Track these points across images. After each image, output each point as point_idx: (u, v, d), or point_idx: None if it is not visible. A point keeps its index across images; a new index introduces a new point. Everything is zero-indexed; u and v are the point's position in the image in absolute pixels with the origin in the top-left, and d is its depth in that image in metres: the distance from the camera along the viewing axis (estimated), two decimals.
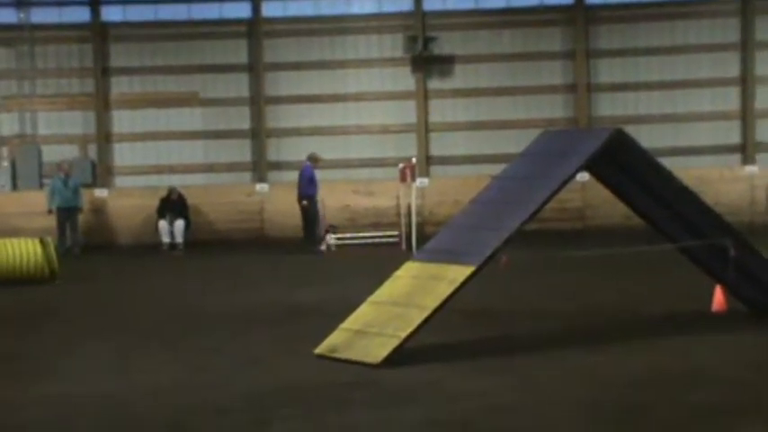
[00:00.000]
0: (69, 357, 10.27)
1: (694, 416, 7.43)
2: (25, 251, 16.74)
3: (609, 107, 26.52)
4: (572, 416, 7.51)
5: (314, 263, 19.65)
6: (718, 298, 11.59)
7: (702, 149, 26.03)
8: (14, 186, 25.78)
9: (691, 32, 26.24)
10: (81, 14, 26.74)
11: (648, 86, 26.29)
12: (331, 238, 22.40)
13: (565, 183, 10.23)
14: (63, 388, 8.79)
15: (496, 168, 20.12)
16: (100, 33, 26.59)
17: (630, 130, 11.21)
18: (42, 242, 16.95)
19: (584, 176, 17.09)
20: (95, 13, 26.59)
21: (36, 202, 23.95)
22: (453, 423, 7.38)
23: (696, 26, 26.26)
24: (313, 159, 22.57)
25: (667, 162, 11.63)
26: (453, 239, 10.45)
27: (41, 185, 25.35)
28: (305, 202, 21.82)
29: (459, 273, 9.68)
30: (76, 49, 26.70)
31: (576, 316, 11.93)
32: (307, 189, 21.96)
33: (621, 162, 11.02)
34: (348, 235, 22.97)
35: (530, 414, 7.59)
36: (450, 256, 10.03)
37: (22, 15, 26.56)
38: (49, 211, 23.14)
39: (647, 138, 20.49)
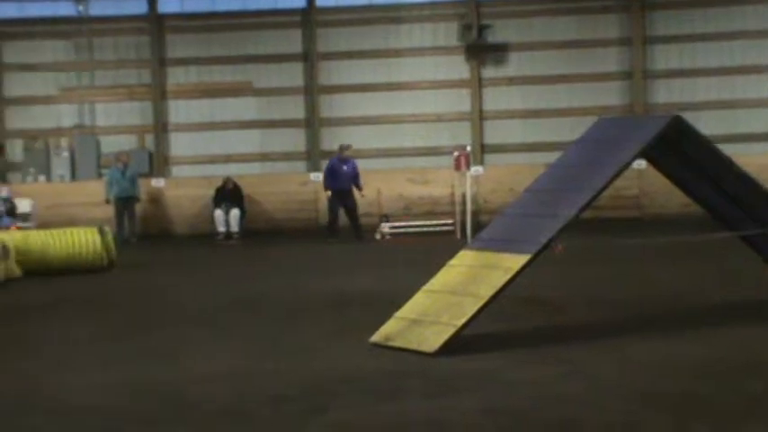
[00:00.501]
0: (127, 344, 10.37)
1: (754, 406, 7.33)
2: (84, 240, 16.94)
3: (665, 94, 26.21)
4: (629, 405, 7.44)
5: (369, 251, 19.67)
6: None
7: (762, 136, 25.65)
8: (73, 176, 26.08)
9: (749, 17, 25.83)
10: (138, 6, 26.94)
11: (706, 72, 25.93)
12: (385, 227, 22.41)
13: (621, 170, 10.15)
14: (120, 375, 8.88)
15: (551, 156, 20.08)
16: (157, 25, 26.78)
17: (688, 116, 11.05)
18: (101, 231, 17.14)
19: (640, 164, 16.95)
20: (152, 4, 26.77)
21: (94, 192, 24.23)
22: (508, 412, 7.35)
23: (753, 11, 25.84)
24: (339, 149, 22.45)
25: (726, 149, 11.45)
26: (508, 227, 10.40)
27: (99, 175, 25.63)
28: (327, 193, 21.97)
29: (515, 261, 9.63)
30: (134, 41, 26.92)
31: (633, 304, 11.82)
32: (325, 181, 22.03)
33: (679, 149, 10.90)
34: (402, 224, 22.96)
35: (586, 404, 7.53)
36: (505, 244, 9.98)
37: (81, 8, 26.82)
38: (107, 201, 23.41)
39: (704, 124, 20.20)
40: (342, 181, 21.82)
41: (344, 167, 21.97)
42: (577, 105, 26.01)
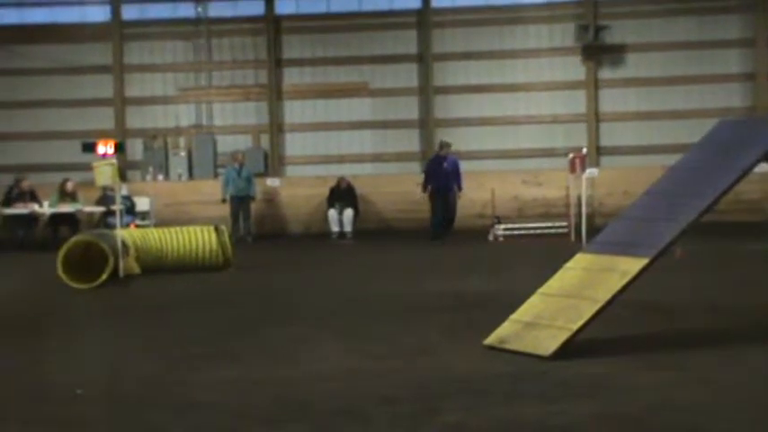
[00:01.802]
0: (243, 343, 10.49)
1: None
2: (201, 239, 17.21)
3: None
4: (751, 417, 7.24)
5: (483, 253, 19.58)
6: None
7: None
8: (191, 175, 26.55)
9: None
10: (255, 8, 27.34)
11: None
12: (498, 229, 22.30)
13: (744, 175, 9.90)
14: (238, 372, 8.98)
15: (667, 159, 19.79)
16: (273, 26, 27.12)
17: None
18: (217, 230, 17.39)
19: (762, 167, 16.53)
20: (269, 5, 27.14)
21: (211, 191, 24.66)
22: (625, 418, 7.22)
23: None
24: (439, 146, 22.14)
25: None
26: (626, 231, 10.23)
27: (216, 175, 26.04)
28: (422, 194, 21.77)
29: (632, 265, 9.46)
30: (251, 42, 27.31)
31: (756, 312, 11.52)
32: (426, 180, 21.71)
33: None
34: (516, 225, 22.82)
35: (706, 413, 7.36)
36: (622, 247, 9.82)
37: (199, 10, 27.32)
38: (223, 200, 23.77)
39: None
40: (442, 179, 21.41)
41: (444, 165, 21.55)
42: (696, 107, 25.57)
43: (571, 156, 21.34)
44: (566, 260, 10.34)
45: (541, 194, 24.71)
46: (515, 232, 22.38)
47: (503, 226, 22.40)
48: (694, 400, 7.66)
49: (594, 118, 26.30)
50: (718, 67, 25.88)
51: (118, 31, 27.54)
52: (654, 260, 9.47)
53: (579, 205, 21.23)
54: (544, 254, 17.91)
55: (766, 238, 20.11)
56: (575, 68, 26.43)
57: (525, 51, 26.57)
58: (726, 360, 9.03)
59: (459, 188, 21.64)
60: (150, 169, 26.71)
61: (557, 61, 26.53)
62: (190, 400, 8.05)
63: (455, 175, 21.57)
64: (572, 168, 21.16)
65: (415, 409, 7.61)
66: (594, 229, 18.46)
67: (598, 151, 26.24)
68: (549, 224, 22.70)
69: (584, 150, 22.18)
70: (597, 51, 26.10)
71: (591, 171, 23.36)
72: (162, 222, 22.64)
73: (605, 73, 26.37)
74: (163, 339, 10.83)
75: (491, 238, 22.00)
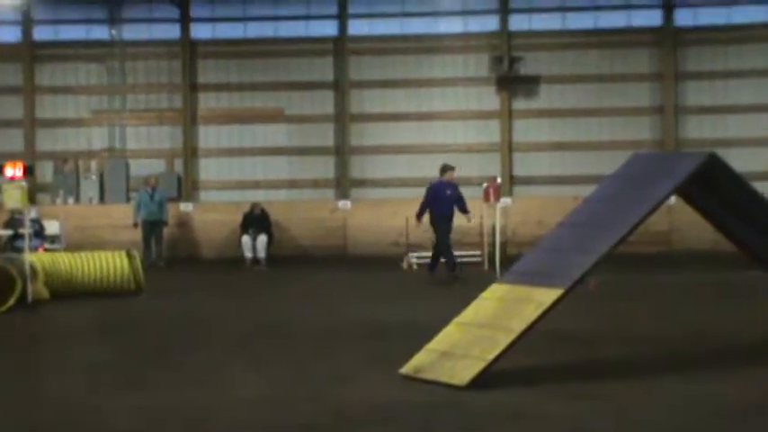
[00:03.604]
0: (155, 369, 10.34)
1: None
2: (112, 263, 16.95)
3: (696, 129, 26.16)
4: None
5: (397, 281, 19.59)
6: None
7: None
8: (102, 199, 26.20)
9: None
10: (171, 31, 27.16)
11: (738, 109, 25.88)
12: (412, 257, 22.35)
13: (656, 207, 10.07)
14: (149, 399, 8.85)
15: (579, 189, 20.05)
16: (189, 50, 26.96)
17: (719, 152, 11.01)
18: (129, 255, 17.15)
19: (670, 200, 16.85)
20: (185, 30, 26.99)
21: (122, 216, 24.34)
22: None
23: None
24: (442, 171, 19.84)
25: (759, 186, 11.39)
26: (541, 261, 10.33)
27: (128, 199, 25.73)
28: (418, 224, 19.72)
29: (547, 295, 9.55)
30: (166, 66, 27.11)
31: (668, 341, 11.71)
32: (426, 206, 19.43)
33: (714, 186, 10.82)
34: (429, 254, 22.86)
35: None
36: (537, 278, 9.91)
37: (113, 32, 27.04)
38: (135, 225, 23.46)
39: (736, 161, 19.78)
40: (446, 206, 19.32)
41: (448, 191, 19.45)
42: (607, 139, 26.00)
43: (485, 185, 21.50)
44: (479, 288, 10.40)
45: (455, 223, 24.81)
46: (429, 260, 22.41)
47: (416, 254, 22.45)
48: (608, 429, 7.73)
49: (508, 147, 26.58)
50: (629, 100, 26.37)
51: (29, 52, 27.12)
52: (568, 291, 9.57)
53: (493, 234, 21.38)
54: (459, 282, 17.99)
55: (674, 269, 20.49)
56: (489, 98, 26.70)
57: (441, 80, 26.78)
58: (639, 388, 9.15)
59: (466, 211, 19.52)
60: (61, 192, 26.31)
61: (472, 91, 26.79)
62: (103, 428, 7.90)
63: (458, 200, 19.48)
64: (486, 197, 21.31)
65: None
66: (508, 259, 18.60)
67: (512, 181, 26.51)
68: (463, 253, 22.80)
69: (499, 180, 22.38)
70: (511, 82, 26.41)
71: (504, 200, 23.56)
72: (72, 246, 22.27)
73: (519, 103, 26.69)
74: (73, 366, 10.62)
75: (404, 266, 22.05)
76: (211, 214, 25.40)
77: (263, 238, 23.17)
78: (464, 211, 19.59)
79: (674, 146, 25.71)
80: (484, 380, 9.08)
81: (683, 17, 26.35)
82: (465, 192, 25.39)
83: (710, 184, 10.77)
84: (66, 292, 16.41)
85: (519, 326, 9.44)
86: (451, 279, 18.61)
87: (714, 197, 11.02)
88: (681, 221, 22.89)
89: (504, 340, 9.35)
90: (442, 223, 19.19)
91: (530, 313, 9.51)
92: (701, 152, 11.70)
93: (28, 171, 24.95)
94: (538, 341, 10.57)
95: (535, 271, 10.13)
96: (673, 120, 26.10)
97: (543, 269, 10.08)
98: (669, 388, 9.15)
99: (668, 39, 26.20)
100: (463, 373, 9.20)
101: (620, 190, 10.59)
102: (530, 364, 10.08)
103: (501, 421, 7.98)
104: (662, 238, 24.00)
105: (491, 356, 9.23)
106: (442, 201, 19.25)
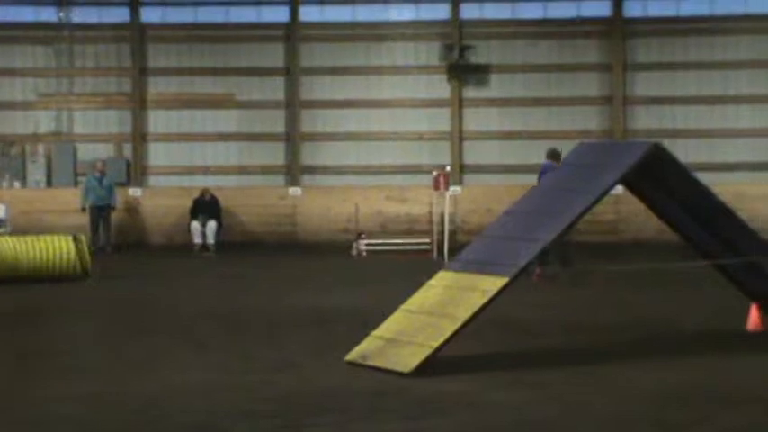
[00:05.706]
0: (100, 355, 10.29)
1: None
2: (58, 248, 16.83)
3: (644, 120, 26.35)
4: (602, 431, 7.43)
5: (346, 268, 19.61)
6: (754, 317, 11.45)
7: (739, 165, 25.80)
8: (49, 183, 25.93)
9: (729, 48, 26.03)
10: (120, 15, 26.86)
11: (685, 101, 26.09)
12: (361, 244, 22.38)
13: (602, 196, 10.17)
14: (93, 386, 8.80)
15: (529, 178, 20.14)
16: (138, 34, 26.69)
17: (666, 143, 11.13)
18: (75, 239, 17.03)
19: (617, 190, 17.01)
20: (135, 13, 26.70)
21: (70, 200, 24.11)
22: None
23: (734, 42, 26.03)
24: (552, 154, 18.24)
25: (703, 177, 11.51)
26: (487, 250, 10.40)
27: (76, 183, 25.50)
28: None
29: (493, 283, 9.62)
30: (114, 49, 26.81)
31: (610, 330, 11.84)
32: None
33: (658, 177, 10.94)
34: (379, 241, 22.94)
35: (561, 429, 7.53)
36: (483, 266, 9.97)
37: (62, 14, 26.71)
38: (83, 209, 23.28)
39: (682, 152, 20.34)
40: None
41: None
42: (556, 128, 26.10)
43: (435, 173, 21.58)
44: (428, 276, 10.45)
45: (405, 211, 24.91)
46: (378, 248, 22.49)
47: (366, 241, 22.49)
48: (550, 416, 7.82)
49: (458, 136, 26.62)
50: (578, 90, 26.50)
51: None
52: (514, 279, 9.65)
53: (442, 222, 21.48)
54: (407, 270, 18.04)
55: (620, 258, 20.68)
56: (440, 87, 26.71)
57: (392, 68, 26.74)
58: (580, 375, 9.25)
59: None
60: (6, 176, 26.00)
61: (422, 79, 26.78)
62: (45, 415, 7.85)
63: None
64: (436, 185, 21.41)
65: (275, 424, 7.57)
66: (457, 246, 18.70)
67: (462, 169, 26.57)
68: (413, 240, 22.89)
69: (448, 168, 22.46)
70: (462, 71, 26.43)
71: (454, 189, 23.65)
72: (18, 231, 22.02)
73: (469, 92, 26.72)
74: (16, 352, 10.54)
75: (354, 252, 22.07)
76: (160, 199, 25.24)
77: (212, 225, 23.08)
78: None
79: (622, 136, 25.89)
80: (429, 367, 9.14)
81: (632, 8, 26.50)
82: (416, 180, 25.64)
83: (655, 175, 10.89)
84: (11, 276, 16.25)
85: (464, 313, 9.50)
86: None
87: (659, 187, 11.14)
88: (627, 211, 23.10)
89: (449, 328, 9.41)
90: None
91: (475, 301, 9.58)
92: (646, 142, 11.84)
93: None
94: (484, 329, 10.65)
95: (481, 259, 10.20)
96: (621, 110, 26.29)
97: (489, 257, 10.15)
98: (609, 375, 9.26)
99: (617, 29, 26.36)
100: (408, 360, 9.25)
101: (566, 179, 10.68)
102: (475, 351, 10.16)
103: (445, 409, 8.03)
104: (609, 228, 24.21)
105: (436, 344, 9.29)
106: None
